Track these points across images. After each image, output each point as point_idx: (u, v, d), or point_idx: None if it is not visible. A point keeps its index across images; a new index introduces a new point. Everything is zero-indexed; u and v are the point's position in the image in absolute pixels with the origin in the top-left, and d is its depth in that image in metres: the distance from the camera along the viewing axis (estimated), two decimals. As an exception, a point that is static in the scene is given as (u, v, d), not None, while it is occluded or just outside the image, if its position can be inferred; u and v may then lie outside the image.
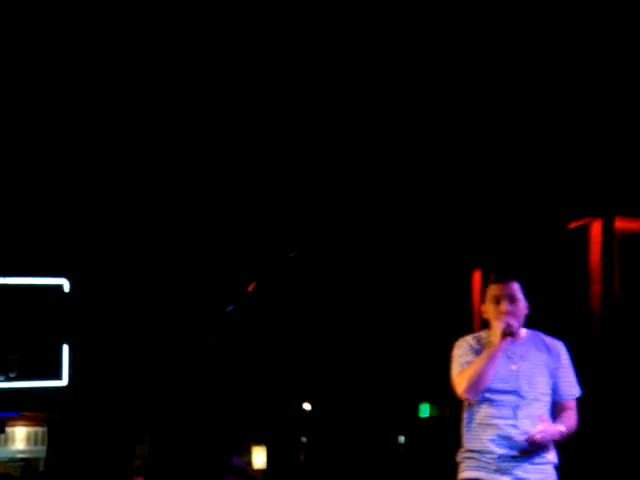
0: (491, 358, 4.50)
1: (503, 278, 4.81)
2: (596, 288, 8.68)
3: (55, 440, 17.24)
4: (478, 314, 10.62)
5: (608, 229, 8.63)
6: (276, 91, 7.92)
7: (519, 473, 4.43)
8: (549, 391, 4.58)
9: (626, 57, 6.94)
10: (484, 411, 4.59)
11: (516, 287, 4.80)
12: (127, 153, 9.50)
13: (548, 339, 4.80)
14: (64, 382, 14.89)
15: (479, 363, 4.52)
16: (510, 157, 8.84)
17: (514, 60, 7.23)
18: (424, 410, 11.75)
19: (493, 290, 4.75)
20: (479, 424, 4.62)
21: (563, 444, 4.58)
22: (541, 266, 9.58)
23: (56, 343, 14.83)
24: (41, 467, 17.71)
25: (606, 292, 8.62)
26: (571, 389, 4.66)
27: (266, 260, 12.87)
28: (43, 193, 10.73)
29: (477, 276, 10.62)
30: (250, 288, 13.74)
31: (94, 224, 11.96)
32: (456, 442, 10.52)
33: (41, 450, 17.81)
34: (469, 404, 4.66)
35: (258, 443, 16.59)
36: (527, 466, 4.45)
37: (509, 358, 4.58)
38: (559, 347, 4.75)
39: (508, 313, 4.65)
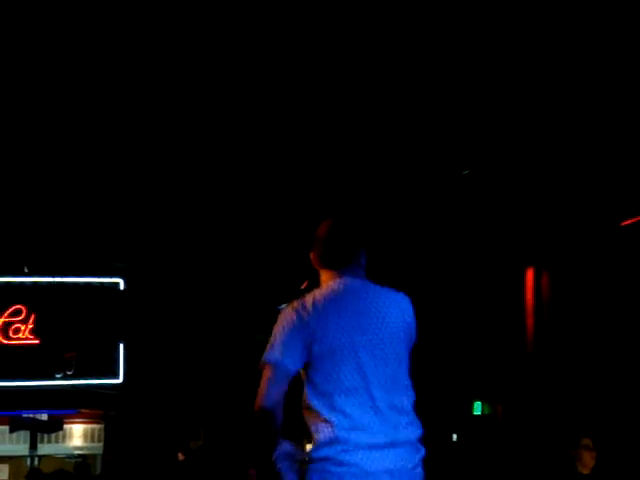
0: None
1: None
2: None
3: (112, 437, 17.44)
4: (531, 312, 10.57)
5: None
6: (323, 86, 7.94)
7: None
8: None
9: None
10: None
11: None
12: (181, 156, 9.60)
13: None
14: (120, 379, 15.07)
15: None
16: (565, 156, 8.79)
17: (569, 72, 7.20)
18: (477, 408, 11.73)
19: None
20: None
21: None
22: (594, 264, 9.51)
23: (112, 341, 15.01)
24: (98, 463, 17.93)
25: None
26: None
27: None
28: (99, 194, 10.87)
29: (530, 274, 10.57)
30: (303, 286, 13.78)
31: (148, 223, 12.09)
32: (508, 439, 10.53)
33: (98, 447, 18.02)
34: None
35: (309, 440, 16.65)
36: None
37: None
38: None
39: None
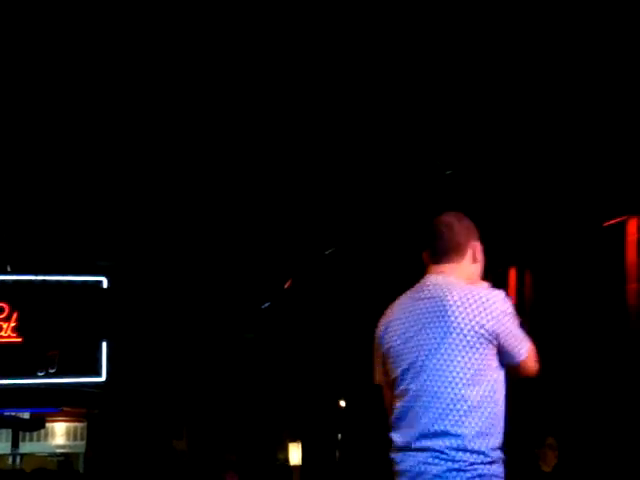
0: None
1: None
2: (632, 286, 8.64)
3: (94, 435, 17.43)
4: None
5: (645, 227, 8.59)
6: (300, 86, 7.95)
7: None
8: None
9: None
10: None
11: None
12: (164, 152, 9.59)
13: None
14: (103, 378, 15.05)
15: None
16: (546, 154, 8.83)
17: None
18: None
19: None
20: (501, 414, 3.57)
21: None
22: (577, 264, 9.55)
23: (95, 340, 14.99)
24: (80, 462, 17.91)
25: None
26: None
27: (302, 257, 12.92)
28: (81, 192, 10.85)
29: (512, 274, 10.61)
30: (287, 285, 13.80)
31: (132, 221, 12.08)
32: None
33: (80, 445, 18.01)
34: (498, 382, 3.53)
35: (294, 439, 16.67)
36: None
37: None
38: None
39: None
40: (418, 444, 3.41)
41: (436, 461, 3.36)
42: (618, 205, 8.74)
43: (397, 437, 3.48)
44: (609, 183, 8.66)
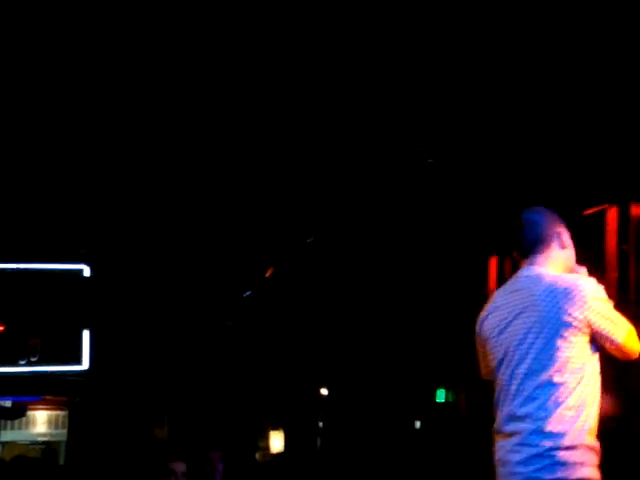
0: None
1: None
2: (612, 276, 8.68)
3: (76, 423, 17.40)
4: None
5: (624, 216, 8.63)
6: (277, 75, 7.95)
7: None
8: None
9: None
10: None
11: None
12: (146, 139, 9.58)
13: None
14: (85, 366, 15.02)
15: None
16: (525, 143, 8.85)
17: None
18: (440, 395, 11.80)
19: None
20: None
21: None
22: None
23: (76, 328, 14.96)
24: (62, 450, 17.89)
25: (622, 280, 8.63)
26: None
27: (283, 246, 12.93)
28: (62, 179, 10.82)
29: (493, 263, 10.65)
30: (268, 274, 13.81)
31: (113, 209, 12.05)
32: (471, 427, 10.59)
33: (62, 433, 17.98)
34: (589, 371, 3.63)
35: (275, 427, 16.71)
36: None
37: None
38: None
39: None
40: (506, 428, 3.54)
41: (518, 448, 3.47)
42: (598, 194, 8.78)
43: (494, 424, 3.62)
44: (589, 172, 8.70)
